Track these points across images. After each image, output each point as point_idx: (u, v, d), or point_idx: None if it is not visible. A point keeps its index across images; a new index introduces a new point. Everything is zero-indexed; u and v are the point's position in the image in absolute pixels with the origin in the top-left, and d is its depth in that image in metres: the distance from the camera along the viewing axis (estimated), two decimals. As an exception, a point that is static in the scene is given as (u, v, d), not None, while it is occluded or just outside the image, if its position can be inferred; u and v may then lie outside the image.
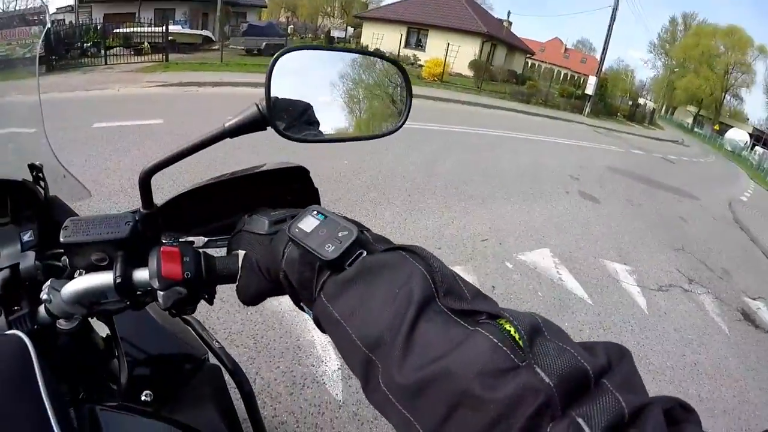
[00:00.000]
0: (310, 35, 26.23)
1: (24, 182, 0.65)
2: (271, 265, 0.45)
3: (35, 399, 0.42)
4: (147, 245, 0.51)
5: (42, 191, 0.68)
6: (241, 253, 0.49)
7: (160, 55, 13.13)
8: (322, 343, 2.26)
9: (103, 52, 12.53)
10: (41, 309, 0.53)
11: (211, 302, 0.53)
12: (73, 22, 15.37)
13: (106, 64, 11.97)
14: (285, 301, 0.55)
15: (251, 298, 0.50)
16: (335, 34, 26.64)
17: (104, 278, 0.49)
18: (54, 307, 0.51)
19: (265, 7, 28.35)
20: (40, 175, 0.68)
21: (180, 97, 8.61)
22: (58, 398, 0.43)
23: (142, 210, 0.52)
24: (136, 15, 17.20)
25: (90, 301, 0.51)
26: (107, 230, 0.50)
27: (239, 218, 0.53)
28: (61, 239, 0.49)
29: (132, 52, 13.24)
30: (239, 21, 20.18)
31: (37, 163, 0.68)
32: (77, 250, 0.50)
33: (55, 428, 0.41)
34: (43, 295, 0.51)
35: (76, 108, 6.36)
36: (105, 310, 0.52)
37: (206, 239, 0.58)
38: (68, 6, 18.03)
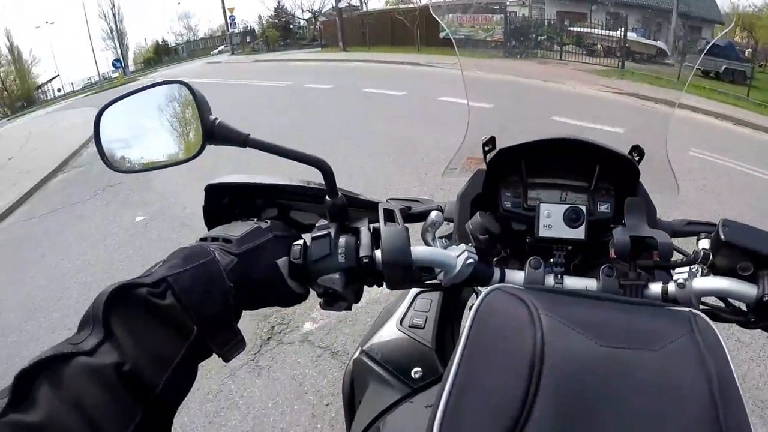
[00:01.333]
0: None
1: (628, 158, 0.69)
2: None
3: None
4: None
5: (637, 169, 0.68)
6: None
7: (614, 60, 11.85)
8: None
9: (558, 47, 12.32)
10: (673, 287, 0.54)
11: None
12: (525, 14, 16.11)
13: (560, 59, 11.58)
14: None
15: None
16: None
17: (744, 288, 0.51)
18: (679, 291, 0.53)
19: (721, 23, 23.15)
20: (637, 158, 0.70)
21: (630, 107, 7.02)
22: None
23: None
24: (588, 16, 16.61)
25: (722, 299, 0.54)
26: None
27: None
28: (722, 236, 0.52)
29: (584, 52, 12.55)
30: (695, 36, 16.89)
31: (639, 144, 0.70)
32: (728, 251, 0.52)
33: None
34: (679, 278, 0.53)
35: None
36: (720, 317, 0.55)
37: None
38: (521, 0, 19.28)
